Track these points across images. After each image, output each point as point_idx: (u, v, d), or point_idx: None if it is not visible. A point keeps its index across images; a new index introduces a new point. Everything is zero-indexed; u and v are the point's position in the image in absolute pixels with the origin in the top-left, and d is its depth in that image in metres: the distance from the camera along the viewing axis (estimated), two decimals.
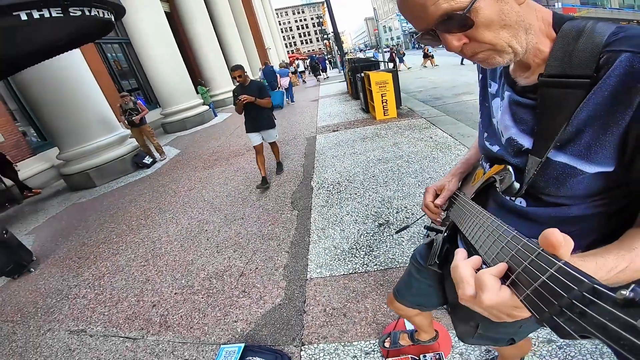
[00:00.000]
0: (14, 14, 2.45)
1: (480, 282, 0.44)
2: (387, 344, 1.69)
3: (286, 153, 5.59)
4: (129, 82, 12.48)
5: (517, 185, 0.65)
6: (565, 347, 1.53)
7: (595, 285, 0.31)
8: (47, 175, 7.75)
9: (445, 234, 0.92)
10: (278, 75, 12.03)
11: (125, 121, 6.92)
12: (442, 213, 0.98)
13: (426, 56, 19.03)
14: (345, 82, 12.23)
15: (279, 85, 11.87)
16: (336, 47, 16.21)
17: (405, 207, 3.07)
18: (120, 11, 3.44)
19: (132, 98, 7.10)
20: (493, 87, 0.76)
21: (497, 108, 0.74)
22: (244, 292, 2.38)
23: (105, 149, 6.62)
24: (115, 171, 6.61)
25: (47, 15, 2.53)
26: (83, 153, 6.43)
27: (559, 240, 0.38)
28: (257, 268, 2.63)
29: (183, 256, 3.06)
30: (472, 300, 0.45)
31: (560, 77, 0.55)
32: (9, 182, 6.58)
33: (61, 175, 6.87)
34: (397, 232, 2.05)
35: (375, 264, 2.37)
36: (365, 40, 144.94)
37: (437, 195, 0.97)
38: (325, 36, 29.29)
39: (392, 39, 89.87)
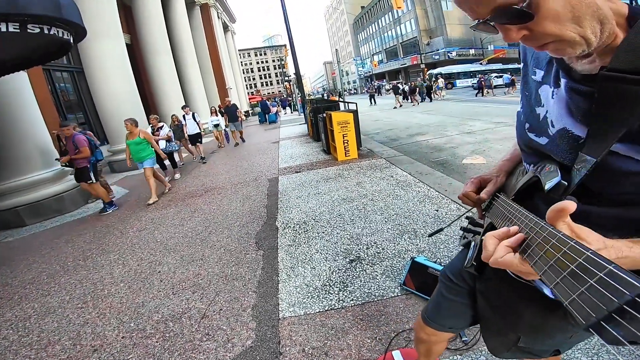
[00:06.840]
0: None
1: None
2: None
3: (247, 194, 5.39)
4: (75, 116, 11.60)
5: (564, 183, 0.59)
6: None
7: None
8: None
9: (483, 236, 0.86)
10: (271, 106, 21.51)
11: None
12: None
13: (513, 84, 21.25)
14: (305, 125, 12.54)
15: (271, 111, 21.13)
16: (297, 90, 16.87)
17: (375, 243, 3.04)
18: (80, 32, 3.23)
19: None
20: (538, 75, 0.71)
21: (546, 96, 0.68)
22: (208, 334, 2.11)
23: (40, 185, 5.94)
24: (51, 210, 5.92)
25: (3, 29, 2.29)
26: (13, 188, 5.71)
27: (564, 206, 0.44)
28: (221, 309, 2.37)
29: (131, 298, 2.69)
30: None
31: (628, 72, 0.50)
32: None
33: None
34: (430, 236, 1.98)
35: (352, 299, 2.25)
36: (324, 84, 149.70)
37: (480, 187, 0.91)
38: (287, 78, 30.32)
39: (348, 82, 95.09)
